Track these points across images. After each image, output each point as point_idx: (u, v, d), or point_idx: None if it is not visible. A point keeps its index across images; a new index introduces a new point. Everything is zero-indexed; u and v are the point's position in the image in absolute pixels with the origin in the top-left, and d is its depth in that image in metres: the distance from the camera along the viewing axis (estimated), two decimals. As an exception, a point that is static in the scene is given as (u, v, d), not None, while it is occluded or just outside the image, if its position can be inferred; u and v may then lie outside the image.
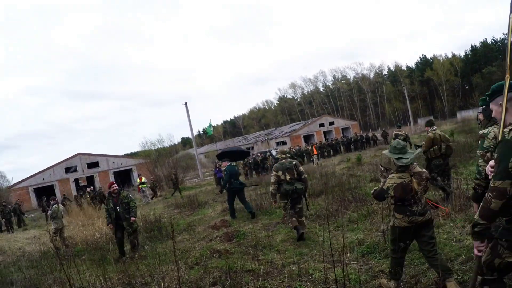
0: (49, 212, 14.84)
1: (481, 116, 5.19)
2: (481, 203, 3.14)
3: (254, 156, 32.30)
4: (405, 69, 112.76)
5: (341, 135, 68.79)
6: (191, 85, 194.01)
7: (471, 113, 67.29)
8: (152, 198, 28.48)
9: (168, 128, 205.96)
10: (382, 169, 5.58)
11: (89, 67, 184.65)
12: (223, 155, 18.41)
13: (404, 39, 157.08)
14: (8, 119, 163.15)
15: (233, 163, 13.96)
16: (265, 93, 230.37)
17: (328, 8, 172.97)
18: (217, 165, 25.32)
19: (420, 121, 79.20)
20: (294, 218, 8.88)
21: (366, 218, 9.23)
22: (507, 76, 3.23)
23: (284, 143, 73.18)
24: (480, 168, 4.12)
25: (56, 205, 14.60)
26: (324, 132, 78.12)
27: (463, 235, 6.66)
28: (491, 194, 3.06)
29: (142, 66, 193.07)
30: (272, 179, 9.23)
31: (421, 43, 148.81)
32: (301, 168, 9.22)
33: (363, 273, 5.95)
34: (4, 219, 25.74)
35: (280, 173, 9.05)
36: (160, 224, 13.45)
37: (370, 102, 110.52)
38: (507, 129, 3.13)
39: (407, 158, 5.06)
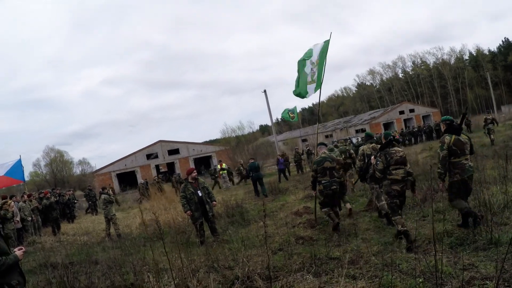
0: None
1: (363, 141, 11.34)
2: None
3: (334, 143, 32.09)
4: (487, 53, 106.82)
5: (422, 122, 66.95)
6: (269, 73, 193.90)
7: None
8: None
9: (247, 116, 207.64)
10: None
11: (166, 57, 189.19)
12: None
13: (485, 21, 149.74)
14: (89, 109, 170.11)
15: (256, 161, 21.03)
16: (343, 80, 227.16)
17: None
18: (278, 157, 27.33)
19: (504, 108, 75.72)
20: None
21: (453, 209, 8.99)
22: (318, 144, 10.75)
23: (363, 130, 72.11)
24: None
25: (103, 195, 15.03)
26: (405, 120, 76.37)
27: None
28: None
29: (218, 54, 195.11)
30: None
31: (504, 24, 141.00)
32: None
33: (452, 266, 5.78)
34: (89, 202, 26.98)
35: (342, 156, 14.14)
36: (241, 209, 13.60)
37: (451, 89, 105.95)
38: (317, 157, 10.07)
39: (335, 152, 12.77)
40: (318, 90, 11.42)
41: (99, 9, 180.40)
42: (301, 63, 11.92)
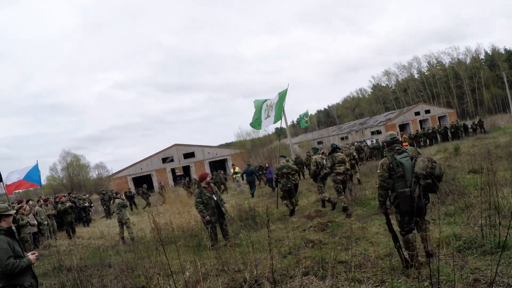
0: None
1: (311, 153, 19.06)
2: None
3: (349, 146, 31.88)
4: (503, 52, 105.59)
5: (438, 123, 66.47)
6: (283, 75, 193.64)
7: None
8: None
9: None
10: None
11: (178, 59, 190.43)
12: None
13: (502, 19, 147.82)
14: (104, 113, 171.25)
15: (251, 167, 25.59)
16: (358, 82, 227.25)
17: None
18: (266, 166, 25.47)
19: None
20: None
21: (464, 211, 8.96)
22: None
23: (379, 132, 71.91)
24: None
25: (117, 199, 15.27)
26: (420, 121, 75.84)
27: None
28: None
29: (232, 56, 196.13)
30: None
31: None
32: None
33: (458, 270, 5.76)
34: (104, 206, 27.17)
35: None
36: (254, 213, 13.66)
37: (467, 89, 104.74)
38: (278, 165, 14.39)
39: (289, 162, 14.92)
40: (279, 121, 16.47)
41: (111, 12, 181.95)
42: (259, 105, 17.27)
